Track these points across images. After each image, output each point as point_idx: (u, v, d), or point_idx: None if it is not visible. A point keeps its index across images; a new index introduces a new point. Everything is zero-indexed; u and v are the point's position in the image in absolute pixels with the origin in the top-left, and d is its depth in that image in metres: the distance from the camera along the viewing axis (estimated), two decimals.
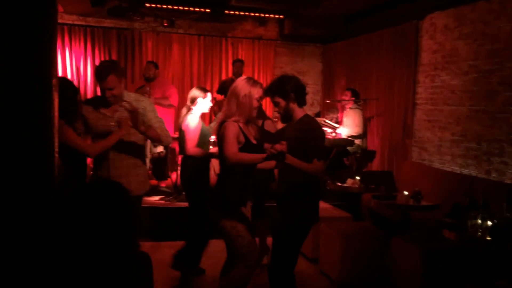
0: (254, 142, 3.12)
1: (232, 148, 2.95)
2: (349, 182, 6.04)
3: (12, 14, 1.73)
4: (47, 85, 1.85)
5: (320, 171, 3.03)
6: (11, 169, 1.77)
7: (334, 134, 6.78)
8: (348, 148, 6.85)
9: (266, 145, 2.94)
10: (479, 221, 3.41)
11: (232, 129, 3.00)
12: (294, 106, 3.10)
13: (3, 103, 1.73)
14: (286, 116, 3.16)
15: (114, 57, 7.87)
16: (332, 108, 7.86)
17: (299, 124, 3.10)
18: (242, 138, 3.02)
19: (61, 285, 1.56)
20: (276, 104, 3.14)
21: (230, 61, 8.21)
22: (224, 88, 6.49)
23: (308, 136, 3.01)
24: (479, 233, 3.39)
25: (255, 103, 3.07)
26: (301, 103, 3.12)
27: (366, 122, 7.16)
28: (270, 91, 3.14)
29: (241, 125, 3.05)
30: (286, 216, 3.11)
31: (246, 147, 3.03)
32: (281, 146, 2.81)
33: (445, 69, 5.66)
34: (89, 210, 1.61)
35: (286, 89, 3.07)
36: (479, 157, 5.06)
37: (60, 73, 7.43)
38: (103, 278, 1.59)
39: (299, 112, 3.12)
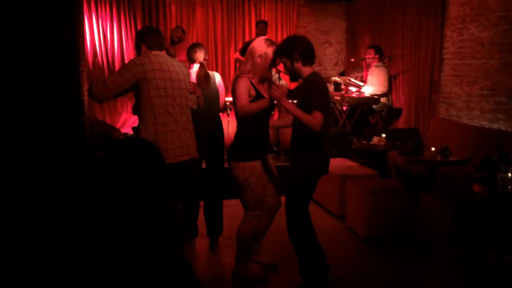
0: (266, 96, 3.20)
1: (241, 102, 3.10)
2: (375, 139, 5.98)
3: None
4: (75, 44, 1.98)
5: (318, 125, 2.94)
6: (43, 129, 1.87)
7: (358, 93, 6.73)
8: (373, 106, 6.80)
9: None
10: (510, 175, 3.39)
11: (243, 83, 3.14)
12: (299, 65, 3.14)
13: (36, 64, 1.85)
14: (293, 75, 3.23)
15: (139, 23, 7.89)
16: (357, 66, 7.76)
17: (305, 82, 3.18)
18: (253, 92, 3.16)
19: (91, 240, 1.59)
20: (284, 65, 3.20)
21: (253, 23, 8.12)
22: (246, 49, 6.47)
23: (311, 91, 3.06)
24: (510, 187, 3.38)
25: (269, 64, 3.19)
26: (306, 62, 3.14)
27: (391, 80, 7.06)
28: (277, 52, 3.21)
29: (253, 81, 3.17)
30: (295, 169, 3.25)
31: (257, 100, 3.16)
32: (277, 90, 2.95)
33: (473, 22, 5.50)
34: (120, 167, 1.63)
35: (289, 49, 3.12)
36: (510, 111, 4.98)
37: (88, 39, 7.53)
38: (134, 235, 1.61)
39: (305, 71, 3.16)
